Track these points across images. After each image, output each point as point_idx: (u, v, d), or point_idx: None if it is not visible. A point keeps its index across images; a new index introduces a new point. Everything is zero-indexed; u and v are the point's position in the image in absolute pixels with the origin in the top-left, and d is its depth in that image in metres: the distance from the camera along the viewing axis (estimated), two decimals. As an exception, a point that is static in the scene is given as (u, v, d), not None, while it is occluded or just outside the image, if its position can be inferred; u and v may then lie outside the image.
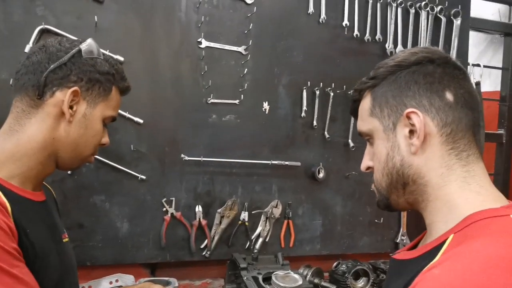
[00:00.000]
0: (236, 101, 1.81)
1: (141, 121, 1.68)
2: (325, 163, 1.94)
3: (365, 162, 0.82)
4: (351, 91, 0.89)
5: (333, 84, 1.93)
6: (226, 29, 1.80)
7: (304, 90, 1.89)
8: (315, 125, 1.92)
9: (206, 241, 1.77)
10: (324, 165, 1.93)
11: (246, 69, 1.82)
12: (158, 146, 1.71)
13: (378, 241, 2.06)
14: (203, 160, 1.76)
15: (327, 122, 1.93)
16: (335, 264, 1.94)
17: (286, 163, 1.86)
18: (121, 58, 1.64)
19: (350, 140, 1.97)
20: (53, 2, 1.58)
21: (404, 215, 2.06)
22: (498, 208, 0.65)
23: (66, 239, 1.08)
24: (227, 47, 1.79)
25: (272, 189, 1.89)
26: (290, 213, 1.90)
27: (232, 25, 1.80)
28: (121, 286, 1.41)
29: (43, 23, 1.56)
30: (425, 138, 0.70)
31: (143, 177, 1.68)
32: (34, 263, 0.85)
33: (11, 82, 1.53)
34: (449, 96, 0.70)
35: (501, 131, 2.35)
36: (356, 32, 1.95)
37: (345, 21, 1.93)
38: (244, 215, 1.83)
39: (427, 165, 0.71)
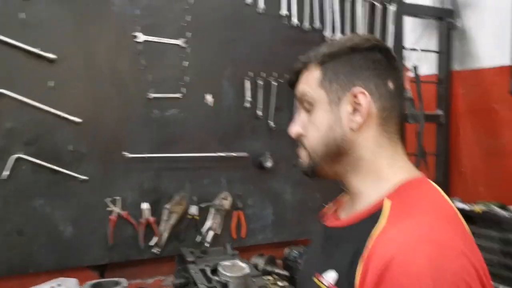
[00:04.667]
0: (179, 95, 1.79)
1: (79, 120, 1.62)
2: (273, 152, 1.96)
3: (296, 129, 0.84)
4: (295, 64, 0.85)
5: (275, 73, 1.94)
6: (164, 22, 1.77)
7: (247, 81, 1.90)
8: (260, 115, 1.93)
9: (155, 238, 1.75)
10: (272, 154, 1.95)
11: (187, 62, 1.80)
12: (98, 144, 1.67)
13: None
14: (148, 157, 1.73)
15: (272, 111, 1.95)
16: (287, 250, 1.97)
17: (234, 154, 1.87)
18: (54, 56, 1.58)
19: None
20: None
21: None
22: (420, 177, 0.78)
23: None
24: (165, 40, 1.77)
25: (220, 181, 1.89)
26: (240, 204, 1.91)
27: (170, 17, 1.78)
28: (65, 290, 1.37)
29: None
30: (366, 118, 0.78)
31: (85, 177, 1.64)
32: None
33: None
34: (390, 85, 0.80)
35: (439, 112, 2.47)
36: (295, 21, 1.97)
37: (284, 11, 1.95)
38: (193, 209, 1.82)
39: (363, 141, 0.78)
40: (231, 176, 1.90)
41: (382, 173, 0.78)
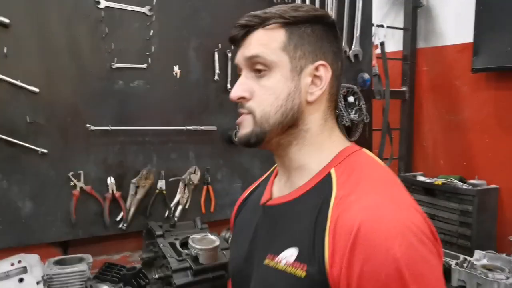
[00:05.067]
0: (144, 66, 1.72)
1: (36, 90, 1.53)
2: (241, 126, 1.93)
3: (240, 92, 0.77)
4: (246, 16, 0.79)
5: (244, 45, 1.90)
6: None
7: (216, 53, 1.85)
8: (230, 88, 1.89)
9: (121, 214, 1.70)
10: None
11: (152, 31, 1.72)
12: (58, 116, 1.58)
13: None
14: (112, 129, 1.66)
15: (241, 84, 1.92)
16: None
17: (202, 128, 1.83)
18: (6, 20, 1.47)
19: (264, 102, 1.97)
20: None
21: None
22: (352, 145, 0.82)
23: None
24: (129, 7, 1.68)
25: (189, 156, 1.85)
26: (209, 178, 1.88)
27: (132, -17, 1.69)
28: (25, 266, 1.30)
29: None
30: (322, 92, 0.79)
31: (44, 150, 1.55)
32: None
33: None
34: (340, 64, 0.82)
35: (404, 88, 2.52)
36: (264, -8, 1.93)
37: (253, -19, 1.90)
38: (161, 184, 1.77)
39: (313, 114, 0.78)
40: (199, 150, 1.87)
41: (324, 145, 0.79)
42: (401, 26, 2.54)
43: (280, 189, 0.84)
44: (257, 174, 1.99)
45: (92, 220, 1.66)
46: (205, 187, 1.88)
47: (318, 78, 0.77)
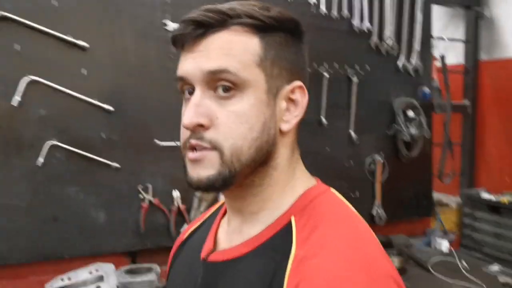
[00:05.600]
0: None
1: (111, 108, 1.63)
2: (299, 141, 1.94)
3: (197, 117, 0.56)
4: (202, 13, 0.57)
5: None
6: (193, 9, 1.75)
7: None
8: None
9: (186, 226, 1.76)
10: (299, 143, 1.94)
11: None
12: (130, 132, 1.68)
13: (355, 214, 2.10)
14: (178, 145, 1.73)
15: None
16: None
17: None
18: (86, 44, 1.59)
19: (322, 117, 1.99)
20: (9, -13, 1.50)
21: (378, 187, 2.12)
22: (318, 184, 0.65)
23: None
24: (195, 28, 1.76)
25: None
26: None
27: (199, 4, 1.76)
28: (102, 275, 1.39)
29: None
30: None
31: (117, 165, 1.65)
32: None
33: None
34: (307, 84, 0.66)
35: (466, 102, 2.44)
36: (323, 9, 1.95)
37: (313, -1, 1.93)
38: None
39: (283, 147, 0.62)
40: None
41: (288, 184, 0.63)
42: (461, 37, 2.46)
43: (227, 236, 0.66)
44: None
45: (159, 231, 1.73)
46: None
47: (293, 102, 0.61)
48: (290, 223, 0.59)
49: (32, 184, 1.56)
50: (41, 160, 1.55)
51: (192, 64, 0.57)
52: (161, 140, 1.71)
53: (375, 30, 2.07)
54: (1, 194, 1.52)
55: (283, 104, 0.60)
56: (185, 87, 0.60)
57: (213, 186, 0.58)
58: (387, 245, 2.01)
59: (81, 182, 1.62)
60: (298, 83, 0.61)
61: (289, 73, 0.61)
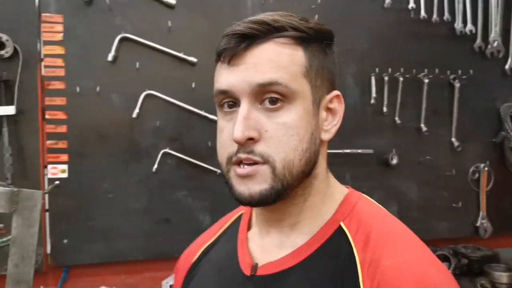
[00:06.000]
0: (305, 93, 1.83)
1: (216, 118, 1.74)
2: (397, 149, 1.92)
3: (248, 131, 0.55)
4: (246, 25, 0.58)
5: (402, 69, 1.90)
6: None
7: (373, 77, 1.88)
8: (385, 112, 1.90)
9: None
10: (397, 151, 1.91)
11: (313, 60, 1.83)
12: (233, 141, 1.77)
13: (457, 225, 2.01)
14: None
15: (398, 107, 1.91)
16: (413, 250, 1.91)
17: (359, 151, 1.86)
18: (194, 59, 1.72)
19: (422, 125, 1.93)
20: (130, 12, 1.68)
21: (483, 198, 2.00)
22: (352, 190, 0.66)
23: None
24: (293, 40, 1.81)
25: (345, 177, 1.90)
26: (365, 201, 1.89)
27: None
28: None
29: (122, 31, 1.66)
30: None
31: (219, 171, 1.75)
32: None
33: (97, 89, 1.65)
34: None
35: None
36: (423, 13, 1.90)
37: (411, 4, 1.89)
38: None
39: (321, 156, 0.62)
40: (355, 172, 1.90)
41: (327, 192, 0.63)
42: None
43: (265, 250, 0.64)
44: (414, 197, 1.96)
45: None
46: (361, 209, 1.90)
47: (331, 111, 0.62)
48: (340, 229, 0.60)
49: (148, 189, 1.71)
50: (155, 166, 1.70)
51: (239, 77, 0.57)
52: (262, 148, 1.78)
53: (479, 32, 1.96)
54: (123, 198, 1.69)
55: (323, 113, 0.61)
56: (225, 100, 0.59)
57: (266, 201, 0.57)
58: (493, 259, 1.89)
59: (189, 187, 1.75)
60: (336, 92, 0.62)
61: (328, 82, 0.62)
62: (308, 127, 0.58)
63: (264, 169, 0.56)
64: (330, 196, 0.63)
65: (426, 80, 1.92)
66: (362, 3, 1.88)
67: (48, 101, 1.62)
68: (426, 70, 1.93)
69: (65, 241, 1.64)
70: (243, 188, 0.57)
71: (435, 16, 1.91)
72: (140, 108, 1.68)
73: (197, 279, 0.72)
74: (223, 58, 0.58)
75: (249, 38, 0.57)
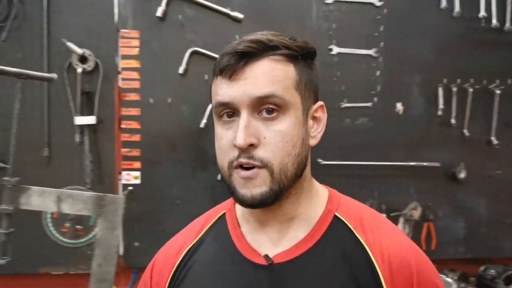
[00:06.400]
0: (369, 104, 1.82)
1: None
2: (466, 162, 1.85)
3: (249, 138, 0.62)
4: (246, 42, 0.64)
5: (471, 79, 1.84)
6: (356, 34, 1.82)
7: (440, 88, 1.84)
8: (454, 123, 1.84)
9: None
10: (465, 165, 1.85)
11: (378, 71, 1.82)
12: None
13: (530, 244, 1.91)
14: (339, 164, 1.80)
15: (467, 119, 1.85)
16: (482, 268, 1.84)
17: (424, 164, 1.82)
18: (260, 71, 1.76)
19: (493, 137, 1.86)
20: (200, 26, 1.75)
21: (561, 216, 1.88)
22: (330, 188, 0.77)
23: None
24: (358, 51, 1.82)
25: (409, 191, 1.86)
26: (431, 215, 1.85)
27: (361, 29, 1.82)
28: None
29: (192, 46, 1.74)
30: None
31: (285, 181, 1.77)
32: None
33: (169, 101, 1.73)
34: None
35: None
36: (494, 22, 1.84)
37: (482, 13, 1.83)
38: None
39: (307, 159, 0.70)
40: (420, 186, 1.86)
41: (313, 190, 0.73)
42: None
43: (268, 243, 0.70)
44: (483, 213, 1.88)
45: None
46: (426, 223, 1.85)
47: (316, 119, 0.70)
48: (336, 217, 0.70)
49: (213, 196, 1.77)
50: (220, 176, 1.76)
51: (240, 90, 0.63)
52: (324, 159, 1.79)
53: (557, 40, 1.87)
54: (189, 203, 1.76)
55: (310, 121, 0.69)
56: (225, 111, 0.65)
57: (265, 202, 0.64)
58: None
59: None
60: (320, 102, 0.71)
61: (314, 94, 0.70)
62: (299, 134, 0.65)
63: (263, 173, 0.63)
64: (316, 194, 0.72)
65: (498, 91, 1.85)
66: (429, 12, 1.84)
67: (124, 111, 1.73)
68: (497, 81, 1.85)
69: (136, 244, 1.73)
70: (245, 191, 0.64)
71: (508, 24, 1.84)
72: (208, 119, 1.75)
73: (189, 280, 0.73)
74: (224, 74, 0.64)
75: (248, 56, 0.63)
